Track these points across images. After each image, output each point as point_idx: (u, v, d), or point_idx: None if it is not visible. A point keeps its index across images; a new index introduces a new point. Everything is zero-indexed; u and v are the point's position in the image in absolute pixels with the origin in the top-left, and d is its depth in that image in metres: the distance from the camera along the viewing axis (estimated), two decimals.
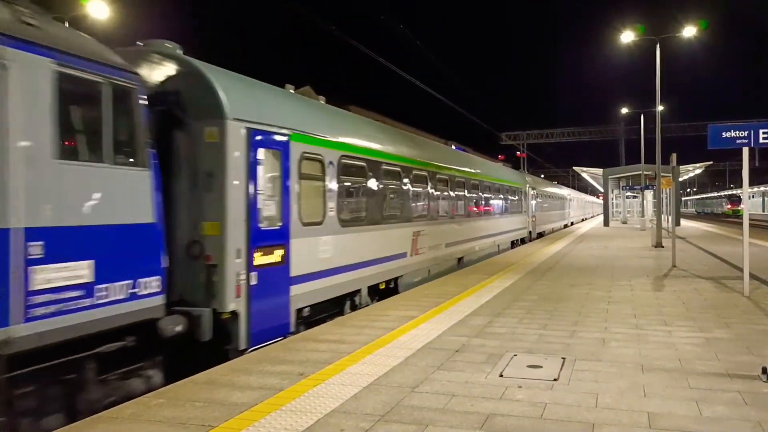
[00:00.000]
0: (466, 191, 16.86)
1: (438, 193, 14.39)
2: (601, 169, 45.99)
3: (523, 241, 25.92)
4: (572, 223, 49.46)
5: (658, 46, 24.84)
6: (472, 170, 17.92)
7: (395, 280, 11.63)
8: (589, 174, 52.10)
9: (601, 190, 50.18)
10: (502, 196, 21.65)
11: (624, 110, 46.49)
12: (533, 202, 28.50)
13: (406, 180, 12.17)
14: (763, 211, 77.37)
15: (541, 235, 30.59)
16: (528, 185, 27.50)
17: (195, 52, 7.32)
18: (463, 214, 16.47)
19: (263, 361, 6.05)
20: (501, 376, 5.53)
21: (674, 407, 4.65)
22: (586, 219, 67.13)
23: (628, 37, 25.96)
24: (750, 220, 19.44)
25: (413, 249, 12.42)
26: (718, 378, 5.42)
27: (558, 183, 58.25)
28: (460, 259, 16.15)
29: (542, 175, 78.67)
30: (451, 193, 15.47)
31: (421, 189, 13.24)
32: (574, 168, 54.93)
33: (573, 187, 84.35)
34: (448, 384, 5.30)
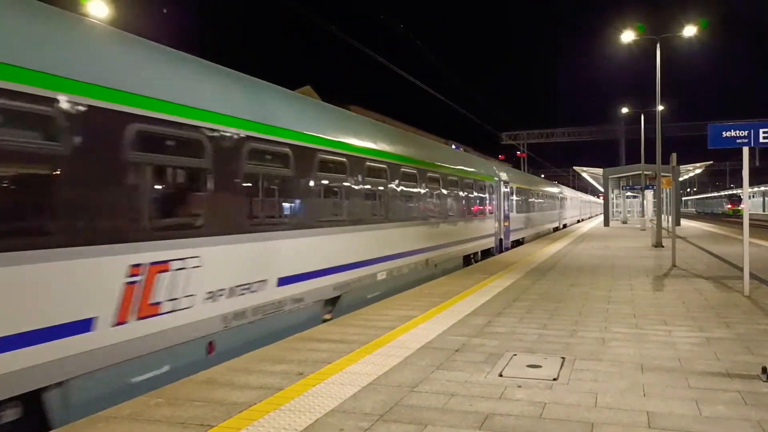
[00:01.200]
0: (360, 181, 10.30)
1: (266, 181, 7.87)
2: (602, 169, 46.02)
3: (488, 253, 19.64)
4: (565, 226, 44.46)
5: (658, 46, 24.85)
6: (380, 148, 11.24)
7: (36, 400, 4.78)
8: (589, 174, 52.13)
9: (602, 189, 50.16)
10: (448, 191, 15.42)
11: (624, 110, 46.48)
12: (508, 202, 22.90)
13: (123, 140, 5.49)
14: (764, 210, 77.41)
15: (518, 243, 24.83)
16: (500, 180, 21.54)
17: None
18: (348, 219, 9.87)
19: (263, 361, 6.05)
20: (500, 375, 5.53)
21: (674, 407, 4.64)
22: (583, 220, 62.66)
23: (628, 36, 25.97)
24: (750, 219, 19.47)
25: (130, 307, 5.47)
26: (718, 378, 5.41)
27: (558, 182, 57.59)
28: (335, 300, 9.44)
29: (542, 175, 78.17)
30: (312, 183, 8.72)
31: (198, 167, 6.52)
32: (574, 168, 54.97)
33: (573, 187, 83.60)
34: (448, 384, 5.29)
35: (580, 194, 70.81)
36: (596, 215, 78.37)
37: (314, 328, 7.72)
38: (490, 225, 19.97)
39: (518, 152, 70.14)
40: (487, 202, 19.73)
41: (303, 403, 4.78)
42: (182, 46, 7.33)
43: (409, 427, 4.28)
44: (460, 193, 16.55)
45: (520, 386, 5.19)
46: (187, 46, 7.36)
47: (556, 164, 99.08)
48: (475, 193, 18.15)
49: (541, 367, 5.80)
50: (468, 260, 17.59)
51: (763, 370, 5.39)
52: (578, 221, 57.00)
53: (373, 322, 8.02)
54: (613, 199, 47.52)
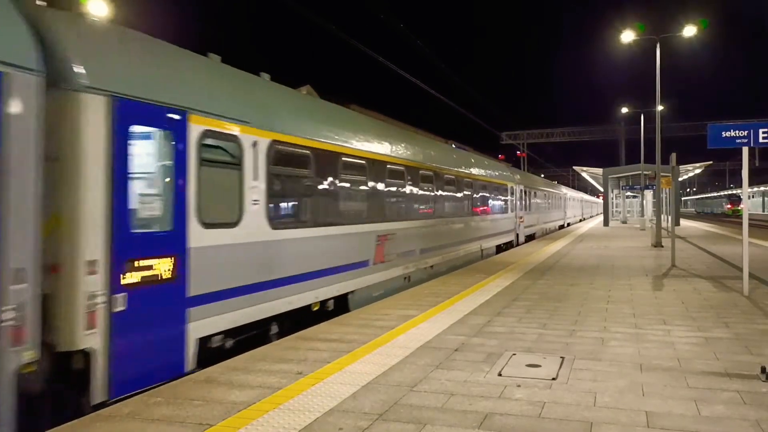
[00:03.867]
0: None
1: None
2: (601, 169, 45.98)
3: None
4: (534, 235, 29.53)
5: (658, 46, 24.84)
6: None
7: None
8: (589, 174, 52.10)
9: (601, 189, 50.14)
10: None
11: (624, 110, 46.44)
12: (325, 196, 8.93)
13: None
14: (763, 210, 77.49)
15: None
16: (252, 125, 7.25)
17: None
18: None
19: (262, 360, 6.05)
20: (500, 375, 5.53)
21: (673, 407, 4.64)
22: (570, 224, 48.10)
23: (628, 36, 25.92)
24: (750, 219, 19.45)
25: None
26: (717, 377, 5.41)
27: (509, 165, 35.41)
28: None
29: (542, 174, 76.62)
30: None
31: None
32: (574, 168, 54.94)
33: (573, 187, 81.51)
34: (447, 383, 5.30)
35: (564, 190, 48.63)
36: (590, 217, 69.27)
37: (314, 327, 7.72)
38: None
39: (518, 152, 70.11)
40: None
41: (302, 403, 4.78)
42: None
43: (408, 427, 4.28)
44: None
45: (519, 386, 5.19)
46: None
47: (556, 164, 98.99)
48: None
49: (540, 366, 5.80)
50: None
51: (762, 369, 5.40)
52: (560, 226, 42.09)
53: (373, 321, 8.02)
54: (612, 198, 47.49)
